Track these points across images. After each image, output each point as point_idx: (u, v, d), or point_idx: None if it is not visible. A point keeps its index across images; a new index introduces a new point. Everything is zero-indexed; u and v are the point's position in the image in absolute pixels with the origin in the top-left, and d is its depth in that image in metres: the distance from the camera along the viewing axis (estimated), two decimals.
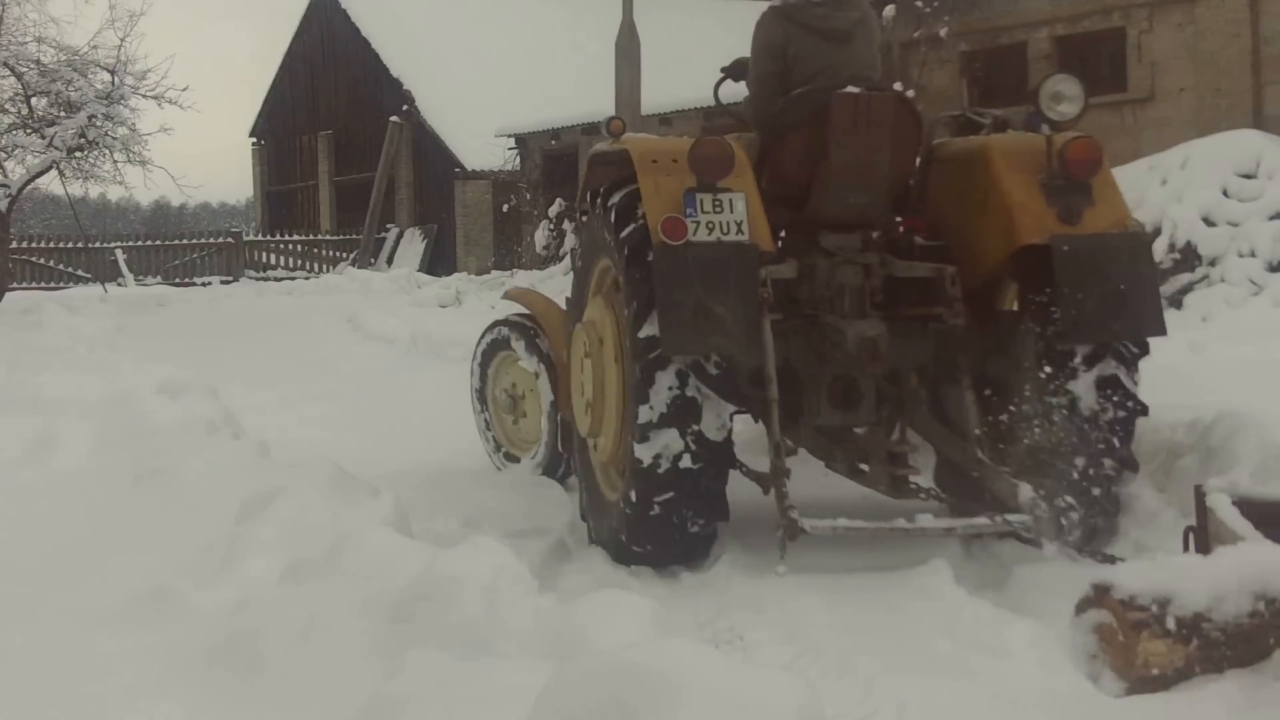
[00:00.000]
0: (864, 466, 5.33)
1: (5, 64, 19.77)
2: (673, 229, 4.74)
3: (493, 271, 23.11)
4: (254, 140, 35.62)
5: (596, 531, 5.29)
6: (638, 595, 3.77)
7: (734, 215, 4.82)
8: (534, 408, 6.66)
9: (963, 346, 5.22)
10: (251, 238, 31.04)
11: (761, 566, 4.78)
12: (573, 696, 2.43)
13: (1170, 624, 2.78)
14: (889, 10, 16.85)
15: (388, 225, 29.30)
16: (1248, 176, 11.76)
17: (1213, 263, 11.48)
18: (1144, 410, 5.02)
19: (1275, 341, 8.90)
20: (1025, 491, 4.72)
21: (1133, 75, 14.80)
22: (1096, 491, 4.89)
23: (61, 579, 4.29)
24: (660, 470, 4.82)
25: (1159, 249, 11.80)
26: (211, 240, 30.39)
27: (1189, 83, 14.20)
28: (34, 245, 28.70)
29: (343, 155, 31.88)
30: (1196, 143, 12.40)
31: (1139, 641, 2.75)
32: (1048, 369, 4.99)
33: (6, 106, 20.24)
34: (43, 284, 26.95)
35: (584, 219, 5.63)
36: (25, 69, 19.95)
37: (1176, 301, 11.58)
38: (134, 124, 20.69)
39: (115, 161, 20.54)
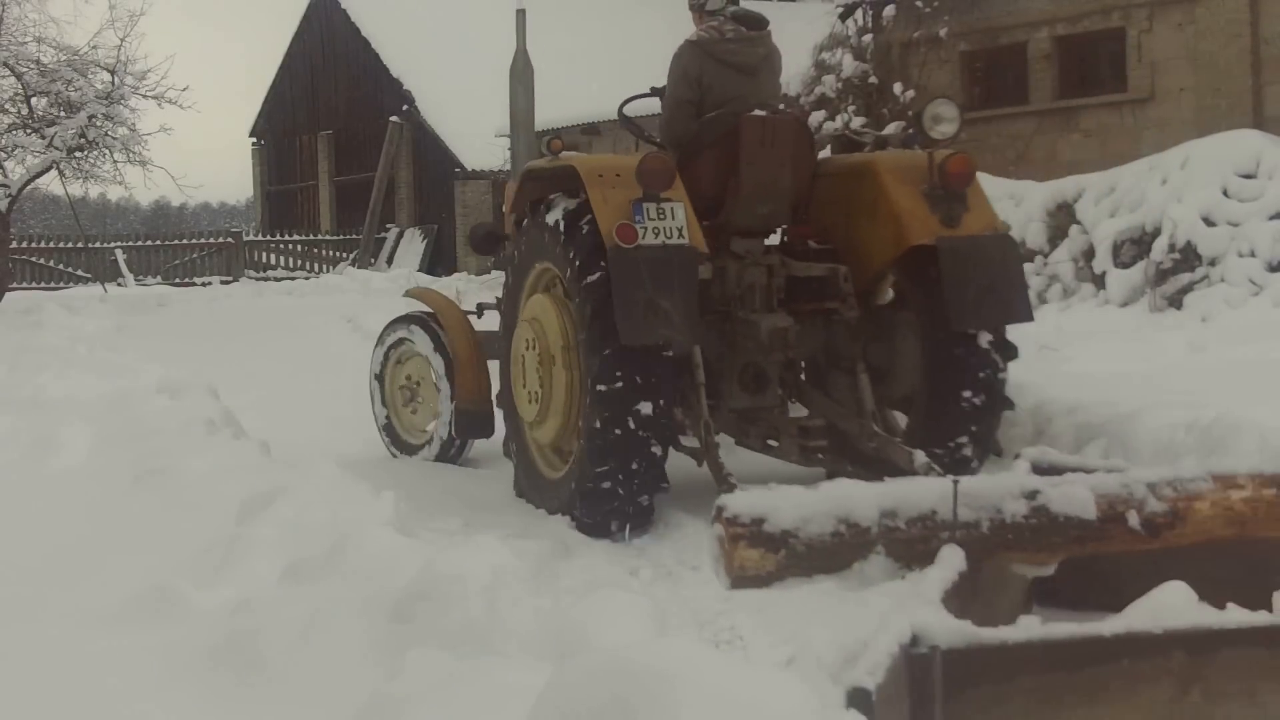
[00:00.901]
0: (773, 443, 6.11)
1: (5, 64, 19.77)
2: (625, 234, 5.40)
3: (493, 271, 23.11)
4: (254, 140, 35.62)
5: (531, 500, 6.04)
6: (638, 595, 3.77)
7: (675, 222, 5.50)
8: (429, 398, 7.27)
9: (855, 335, 6.02)
10: (251, 238, 31.03)
11: None
12: (573, 696, 2.43)
13: (762, 538, 3.51)
14: (889, 10, 16.87)
15: (388, 225, 29.30)
16: (1248, 176, 11.75)
17: (1213, 263, 11.48)
18: (1006, 385, 5.90)
19: (1275, 341, 8.90)
20: (920, 457, 5.49)
21: (1133, 75, 14.80)
22: (975, 451, 5.82)
23: (61, 579, 4.29)
24: (611, 446, 5.43)
25: (1159, 249, 11.81)
26: (211, 240, 30.39)
27: (1189, 83, 14.20)
28: (34, 245, 28.70)
29: (343, 155, 31.88)
30: (1196, 143, 12.40)
31: (737, 550, 3.50)
32: (929, 352, 5.88)
33: (6, 106, 20.24)
34: (43, 284, 26.95)
35: (519, 228, 6.29)
36: (25, 69, 19.95)
37: (1176, 301, 11.58)
38: (134, 124, 20.69)
39: (115, 161, 20.54)
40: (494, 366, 6.87)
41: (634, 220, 5.44)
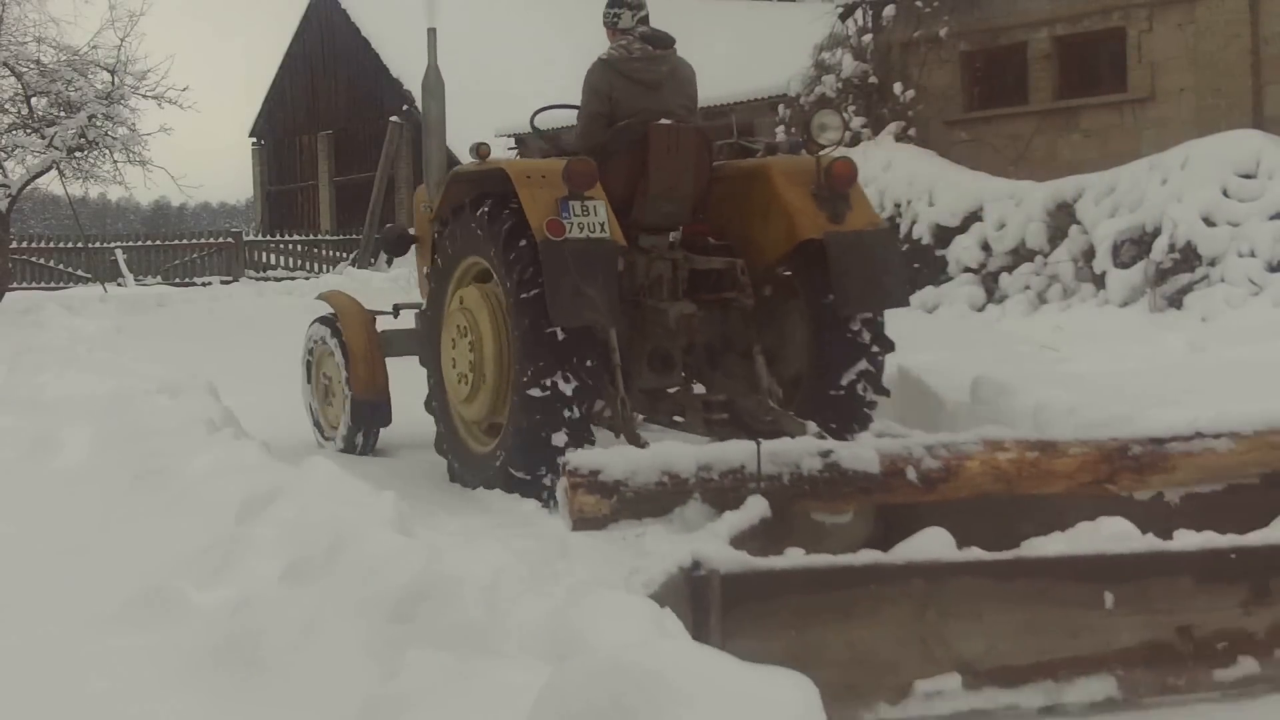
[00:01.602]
0: (679, 418, 6.88)
1: (5, 64, 19.78)
2: (555, 228, 6.05)
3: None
4: (254, 140, 35.62)
5: (467, 483, 6.61)
6: (638, 595, 3.76)
7: (597, 218, 6.16)
8: (339, 392, 7.91)
9: (750, 321, 6.67)
10: (251, 238, 31.03)
11: None
12: (573, 696, 2.44)
13: (598, 486, 4.18)
14: (889, 10, 16.86)
15: (388, 225, 29.27)
16: (1248, 176, 11.76)
17: (1213, 263, 11.48)
18: (883, 363, 6.66)
19: (1275, 341, 8.90)
20: (811, 427, 6.14)
21: (1133, 75, 14.79)
22: (859, 421, 6.49)
23: (61, 579, 4.29)
24: (544, 407, 6.10)
25: (1159, 249, 11.81)
26: (211, 240, 30.39)
27: (1189, 83, 14.20)
28: (34, 245, 28.69)
29: (343, 155, 31.87)
30: (1196, 143, 12.40)
31: (576, 496, 4.18)
32: (817, 335, 6.58)
33: (6, 106, 20.25)
34: (43, 284, 26.94)
35: (444, 227, 6.94)
36: (25, 69, 19.96)
37: (1176, 301, 11.58)
38: (134, 124, 20.71)
39: (115, 161, 20.56)
40: (410, 362, 7.52)
41: (561, 216, 6.08)
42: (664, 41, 6.93)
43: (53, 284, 27.09)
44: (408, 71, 28.37)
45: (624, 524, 4.18)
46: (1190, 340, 9.50)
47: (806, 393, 6.63)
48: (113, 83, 20.14)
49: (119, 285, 26.34)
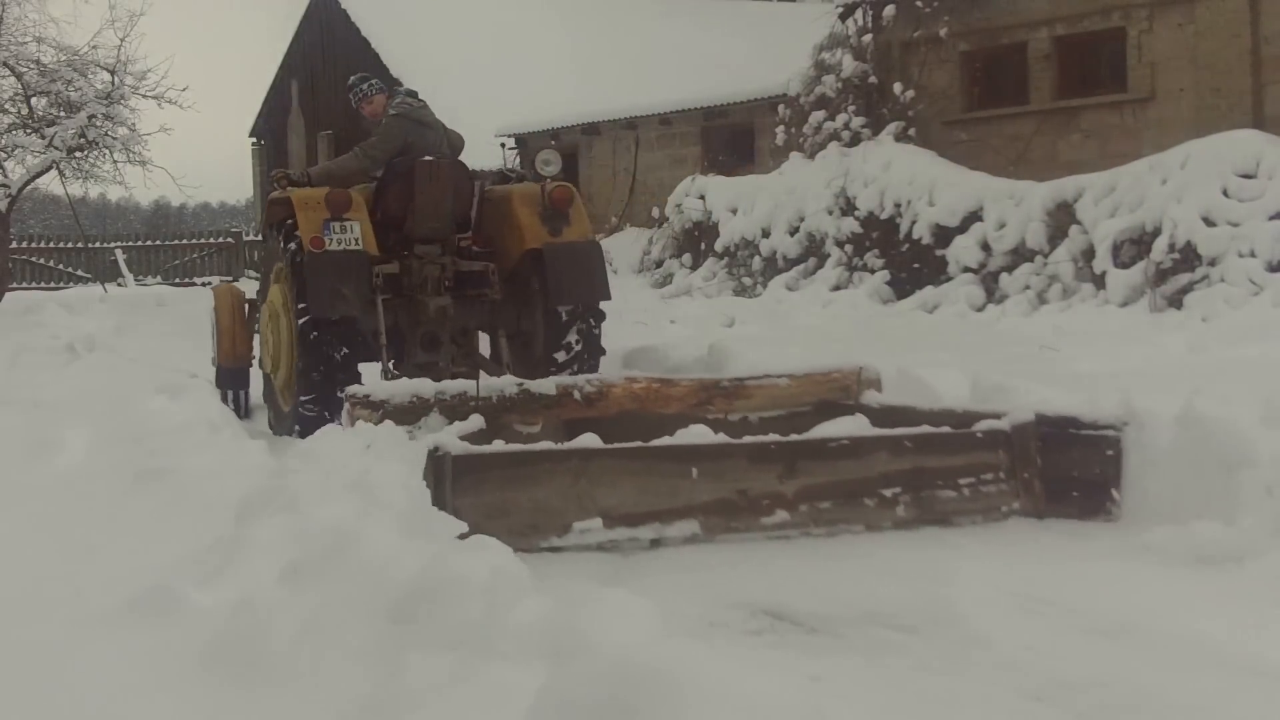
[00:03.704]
0: None
1: (5, 64, 19.78)
2: (316, 243, 7.92)
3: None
4: (254, 140, 35.63)
5: (280, 431, 8.28)
6: (638, 595, 3.76)
7: (353, 234, 8.01)
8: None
9: (499, 312, 8.63)
10: (251, 238, 31.04)
11: (762, 568, 4.87)
12: (573, 696, 2.43)
13: (368, 404, 6.04)
14: (889, 10, 16.87)
15: None
16: (1248, 176, 11.76)
17: (1213, 263, 11.48)
18: (602, 349, 8.56)
19: (1275, 342, 8.90)
20: None
21: (1133, 75, 14.80)
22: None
23: (61, 579, 4.28)
24: (312, 383, 7.89)
25: (1159, 249, 11.82)
26: (211, 240, 30.39)
27: (1189, 83, 14.21)
28: (34, 245, 28.70)
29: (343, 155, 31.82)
30: (1196, 143, 12.41)
31: (355, 412, 5.99)
32: (547, 321, 8.43)
33: (6, 106, 20.25)
34: (43, 284, 26.96)
35: (264, 239, 9.18)
36: (25, 69, 19.96)
37: (1176, 301, 11.58)
38: (134, 124, 20.73)
39: (115, 161, 20.57)
40: None
41: (324, 234, 7.93)
42: (419, 96, 9.08)
43: (53, 284, 27.10)
44: (408, 71, 28.35)
45: (382, 429, 5.66)
46: (1190, 340, 9.50)
47: (541, 362, 8.46)
48: (113, 83, 20.15)
49: (119, 285, 26.34)
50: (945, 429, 5.81)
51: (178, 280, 27.71)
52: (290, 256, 8.11)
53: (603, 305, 8.57)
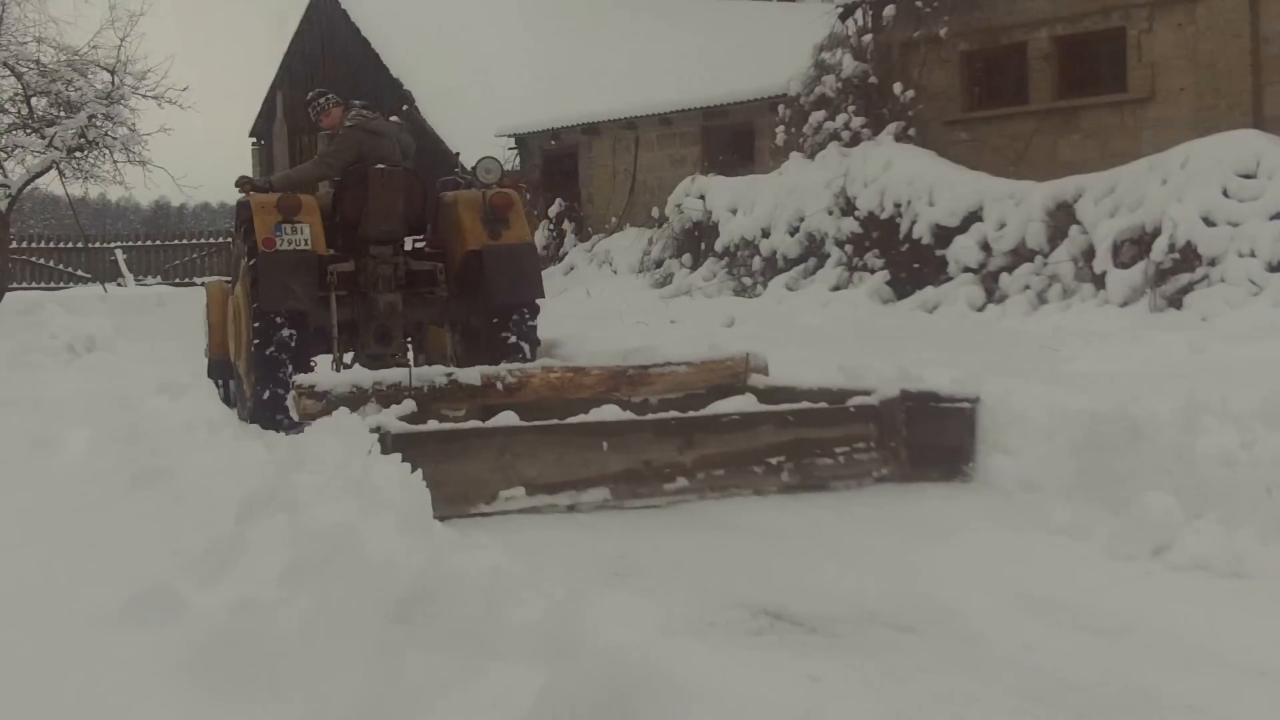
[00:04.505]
0: None
1: (5, 64, 19.78)
2: (268, 243, 8.57)
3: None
4: (254, 140, 35.61)
5: (243, 416, 8.81)
6: (638, 595, 3.77)
7: (303, 235, 8.64)
8: None
9: (446, 307, 9.35)
10: None
11: (762, 568, 4.87)
12: (573, 696, 2.44)
13: (313, 394, 6.59)
14: (889, 10, 16.86)
15: None
16: (1248, 176, 11.75)
17: (1213, 263, 11.47)
18: (537, 339, 9.29)
19: (1275, 341, 8.90)
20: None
21: (1133, 75, 14.80)
22: None
23: (61, 579, 4.29)
24: (263, 369, 8.51)
25: (1159, 249, 11.81)
26: (211, 240, 30.37)
27: (1189, 83, 14.20)
28: (34, 245, 28.69)
29: None
30: (1196, 143, 12.40)
31: (301, 400, 6.58)
32: (490, 315, 9.12)
33: (6, 106, 20.25)
34: (43, 284, 26.94)
35: (233, 239, 9.98)
36: (25, 69, 19.96)
37: (1176, 301, 11.58)
38: (134, 124, 20.74)
39: (115, 161, 20.59)
40: None
41: (275, 235, 8.57)
42: (379, 109, 9.84)
43: (53, 284, 27.09)
44: (408, 71, 28.36)
45: (336, 415, 6.22)
46: (1190, 340, 9.50)
47: (484, 352, 9.07)
48: (113, 83, 20.15)
49: (119, 285, 26.33)
50: (822, 404, 6.61)
51: (178, 280, 27.71)
52: (248, 255, 8.82)
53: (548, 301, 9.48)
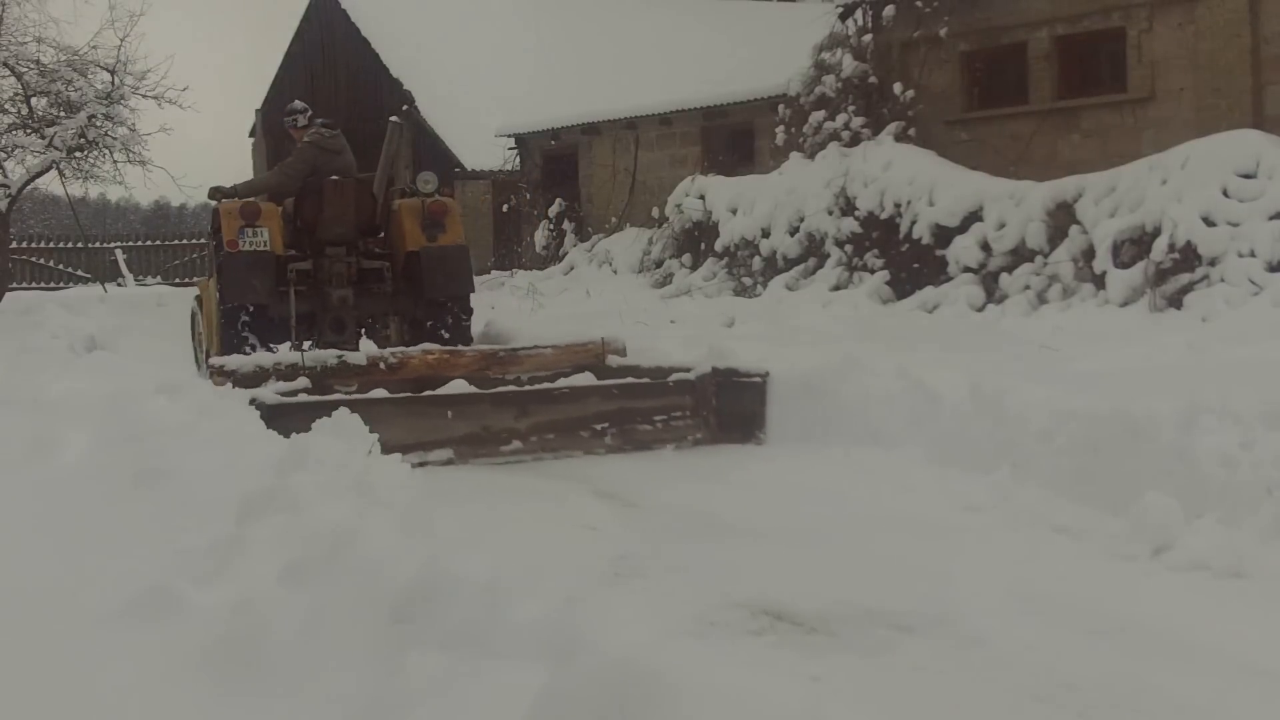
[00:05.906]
0: None
1: (5, 64, 19.77)
2: (232, 245, 9.97)
3: (492, 271, 23.12)
4: (254, 140, 35.58)
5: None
6: (638, 595, 3.77)
7: (262, 238, 10.05)
8: (202, 344, 11.59)
9: (391, 301, 10.75)
10: None
11: (762, 568, 4.87)
12: (573, 696, 2.44)
13: (223, 372, 7.72)
14: (889, 10, 16.86)
15: None
16: (1248, 176, 11.74)
17: (1213, 263, 11.47)
18: (470, 326, 10.76)
19: (1275, 341, 8.89)
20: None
21: (1133, 75, 14.79)
22: None
23: (62, 579, 4.28)
24: (230, 342, 9.82)
25: (1159, 249, 11.81)
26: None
27: (1189, 83, 14.20)
28: (34, 245, 28.68)
29: None
30: (1196, 143, 12.39)
31: (214, 377, 7.60)
32: (428, 308, 10.53)
33: (6, 106, 20.25)
34: (43, 284, 26.94)
35: (207, 241, 11.73)
36: (25, 69, 19.96)
37: (1176, 301, 11.57)
38: (134, 124, 20.73)
39: (115, 161, 20.57)
40: None
41: (239, 237, 9.95)
42: (335, 127, 11.19)
43: (53, 284, 27.08)
44: (408, 71, 28.35)
45: (239, 390, 7.39)
46: (1190, 340, 9.49)
47: (426, 339, 10.07)
48: (113, 83, 20.15)
49: (119, 285, 26.32)
50: (646, 380, 7.91)
51: (178, 280, 27.68)
52: (216, 254, 10.22)
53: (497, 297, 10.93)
